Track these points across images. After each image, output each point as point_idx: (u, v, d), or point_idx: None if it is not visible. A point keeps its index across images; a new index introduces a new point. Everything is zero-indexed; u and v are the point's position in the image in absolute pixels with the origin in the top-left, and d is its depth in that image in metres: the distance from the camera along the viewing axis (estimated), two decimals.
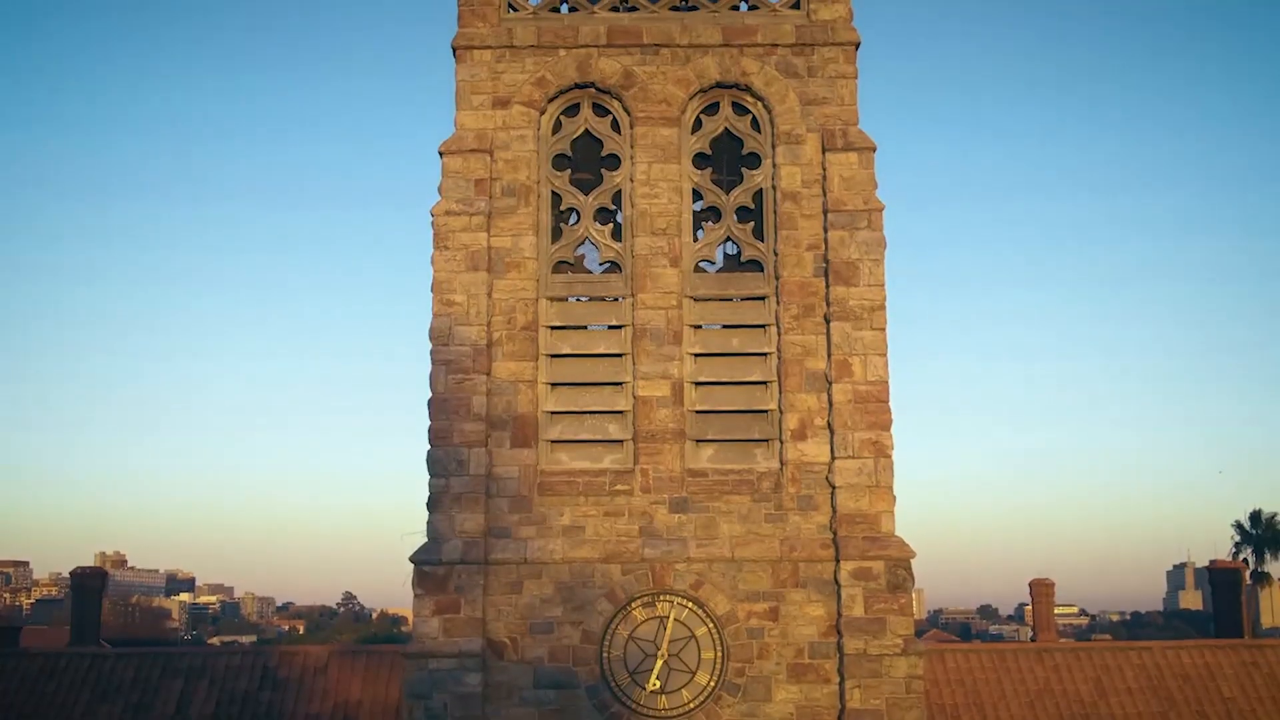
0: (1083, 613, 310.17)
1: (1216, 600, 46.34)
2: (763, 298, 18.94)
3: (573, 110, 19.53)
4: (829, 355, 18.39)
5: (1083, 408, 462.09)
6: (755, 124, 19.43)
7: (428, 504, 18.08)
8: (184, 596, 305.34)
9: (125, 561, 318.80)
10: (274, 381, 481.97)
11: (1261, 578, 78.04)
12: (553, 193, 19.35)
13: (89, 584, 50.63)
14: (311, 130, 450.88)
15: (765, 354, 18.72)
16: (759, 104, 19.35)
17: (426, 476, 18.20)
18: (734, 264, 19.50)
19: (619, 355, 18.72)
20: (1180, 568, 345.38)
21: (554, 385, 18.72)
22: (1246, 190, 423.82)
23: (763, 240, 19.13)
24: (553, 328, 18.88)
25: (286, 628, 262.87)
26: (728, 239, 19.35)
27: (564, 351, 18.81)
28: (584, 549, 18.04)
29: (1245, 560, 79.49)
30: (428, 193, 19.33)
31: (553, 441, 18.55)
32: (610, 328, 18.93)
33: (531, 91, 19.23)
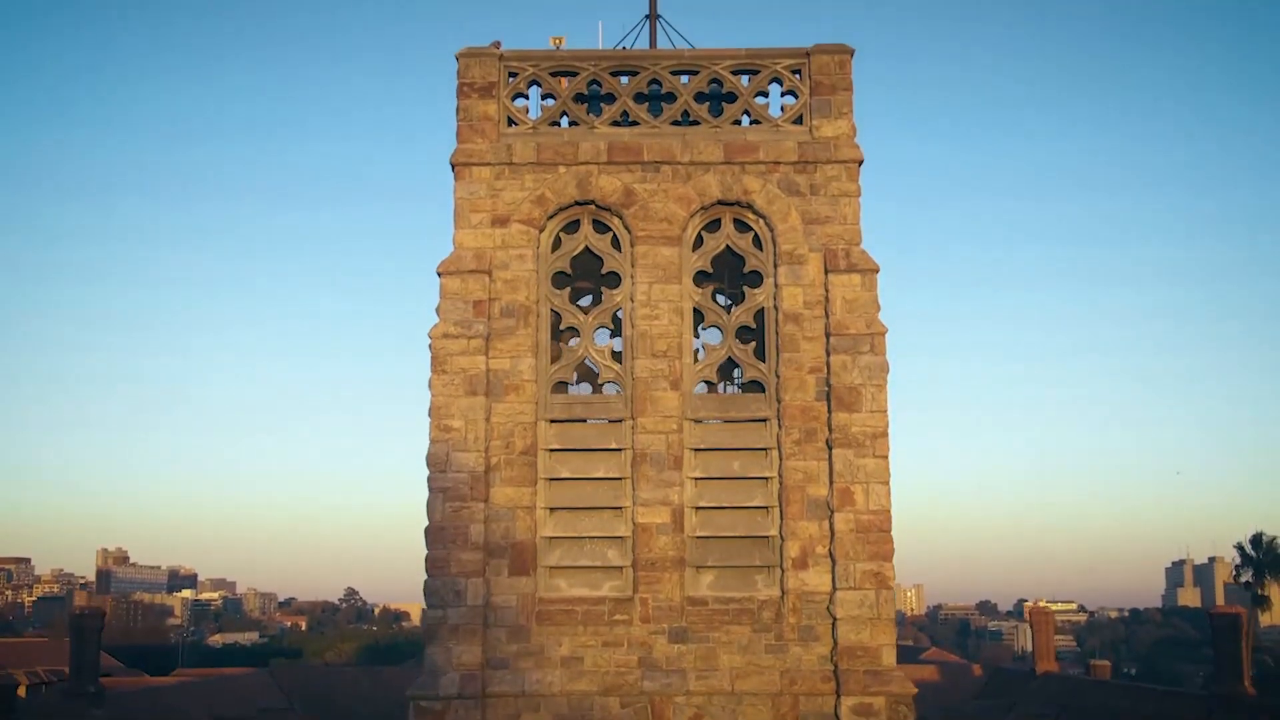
0: (1081, 609, 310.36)
1: (1217, 647, 46.26)
2: (764, 420, 18.73)
3: (573, 226, 19.32)
4: (831, 483, 18.20)
5: (1083, 406, 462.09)
6: (757, 241, 19.21)
7: (424, 636, 17.91)
8: (186, 593, 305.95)
9: (127, 558, 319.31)
10: (277, 379, 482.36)
11: (1261, 601, 77.97)
12: (552, 310, 19.15)
13: (88, 624, 50.61)
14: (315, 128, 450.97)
15: (766, 478, 18.52)
16: (761, 221, 19.14)
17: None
18: (732, 374, 19.35)
19: (619, 479, 18.52)
20: (1179, 564, 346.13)
21: (553, 509, 18.53)
22: (1249, 189, 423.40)
23: (764, 360, 18.92)
24: (552, 450, 18.67)
25: (289, 624, 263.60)
26: (729, 359, 19.15)
27: (563, 475, 18.63)
28: (582, 681, 17.87)
29: (1246, 583, 79.61)
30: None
31: (551, 567, 18.36)
32: (610, 450, 18.70)
33: (531, 209, 19.02)
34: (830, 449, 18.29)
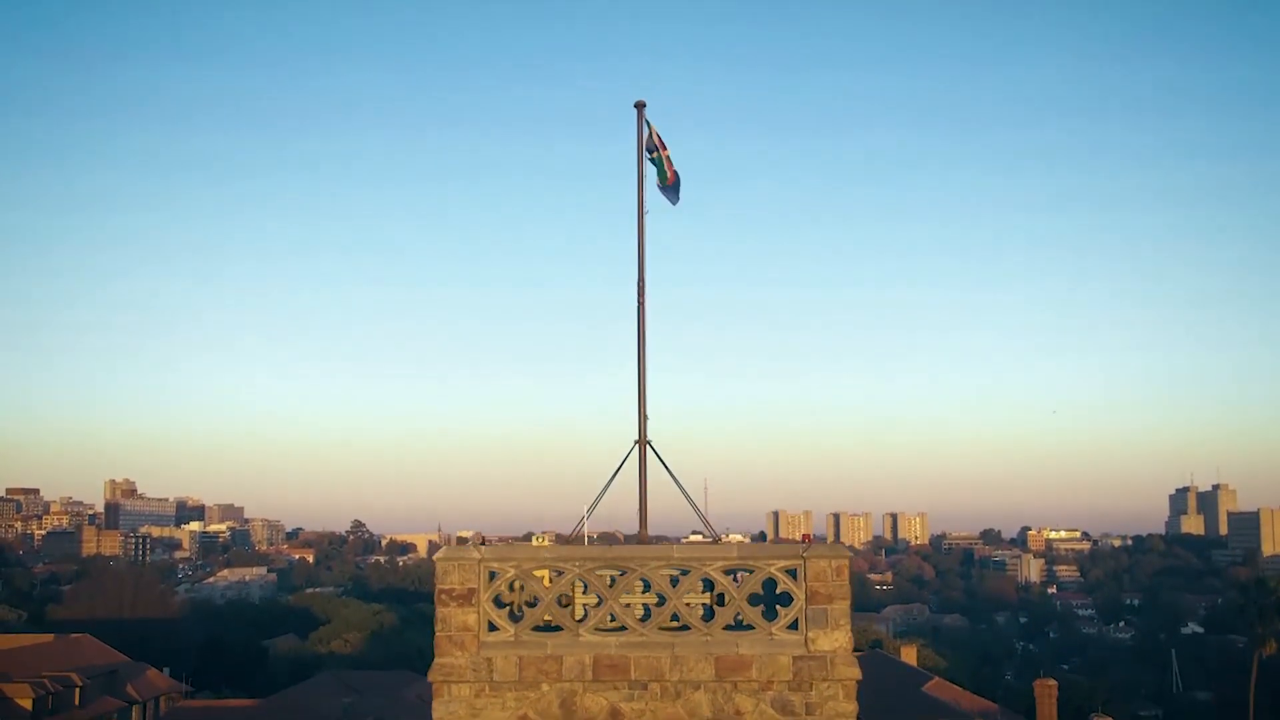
0: (1085, 536, 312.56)
1: None
2: None
3: None
4: None
5: (1084, 332, 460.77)
6: None
7: None
8: (194, 526, 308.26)
9: (135, 490, 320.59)
10: (286, 308, 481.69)
11: (1262, 640, 78.12)
12: None
13: None
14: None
15: None
16: None
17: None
18: None
19: None
20: (1183, 491, 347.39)
21: None
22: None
23: None
24: None
25: (297, 557, 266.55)
26: None
27: None
28: None
29: (1249, 621, 79.77)
30: None
31: None
32: None
33: None
34: None
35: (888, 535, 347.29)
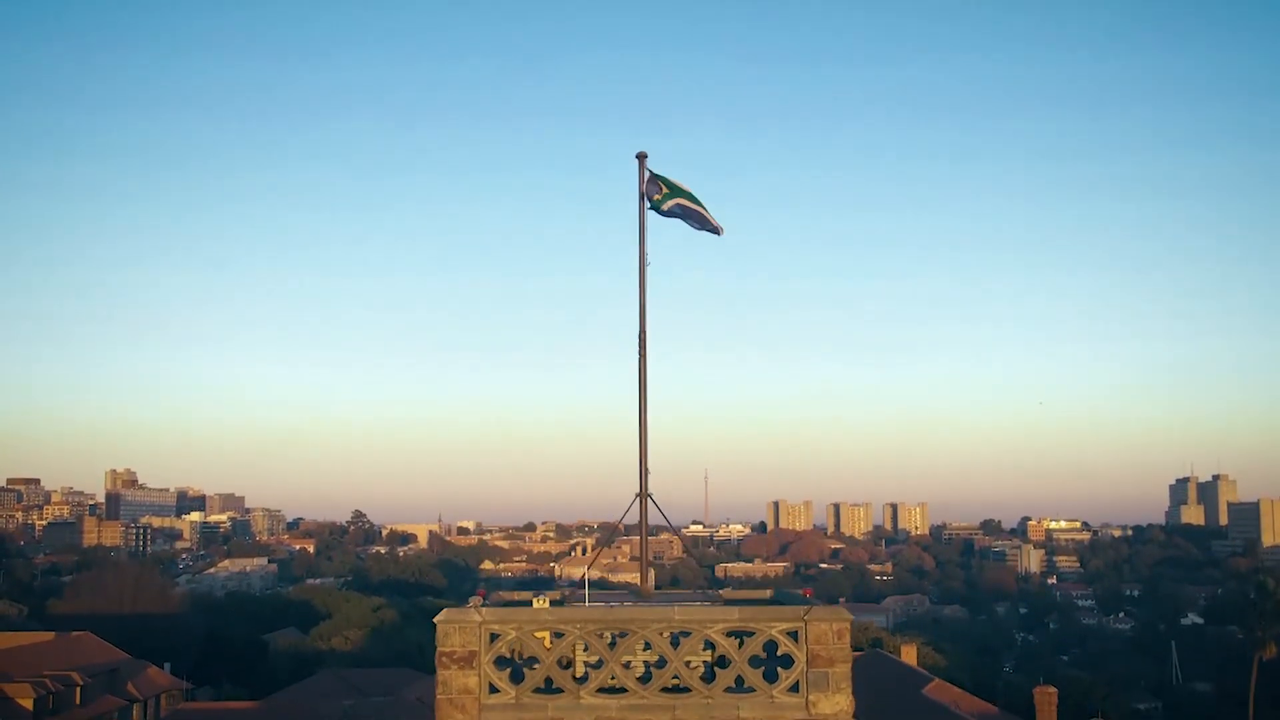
0: (1085, 526, 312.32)
1: None
2: None
3: None
4: None
5: (1084, 322, 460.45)
6: None
7: None
8: (195, 516, 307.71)
9: (136, 480, 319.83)
10: (286, 298, 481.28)
11: (1261, 643, 77.99)
12: None
13: None
14: None
15: None
16: None
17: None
18: None
19: None
20: (1183, 482, 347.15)
21: None
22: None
23: None
24: None
25: (298, 547, 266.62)
26: None
27: None
28: None
29: (1251, 627, 79.70)
30: None
31: None
32: None
33: None
34: None
35: (888, 525, 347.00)
